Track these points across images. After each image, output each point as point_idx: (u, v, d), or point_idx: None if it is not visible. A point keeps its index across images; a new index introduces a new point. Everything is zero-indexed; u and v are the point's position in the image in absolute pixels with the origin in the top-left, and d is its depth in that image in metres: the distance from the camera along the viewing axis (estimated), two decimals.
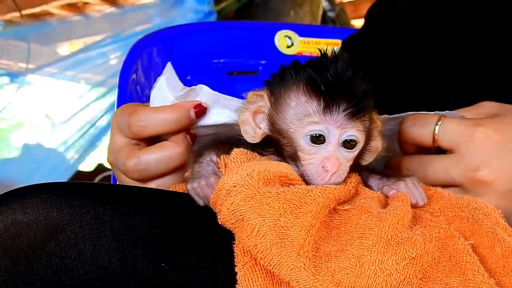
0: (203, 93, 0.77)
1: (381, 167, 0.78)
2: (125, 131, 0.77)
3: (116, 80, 1.30)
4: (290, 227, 0.55)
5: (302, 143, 0.65)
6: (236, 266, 0.57)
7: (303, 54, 1.43)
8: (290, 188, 0.59)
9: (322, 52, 0.67)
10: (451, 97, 0.91)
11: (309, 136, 0.64)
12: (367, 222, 0.59)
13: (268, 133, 0.69)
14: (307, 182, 0.64)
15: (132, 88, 1.27)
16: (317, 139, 0.64)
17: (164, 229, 0.59)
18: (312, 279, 0.53)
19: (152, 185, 0.78)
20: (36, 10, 3.89)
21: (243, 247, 0.57)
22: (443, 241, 0.60)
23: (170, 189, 0.74)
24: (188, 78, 1.32)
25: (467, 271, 0.58)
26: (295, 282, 0.54)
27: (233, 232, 0.57)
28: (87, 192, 0.61)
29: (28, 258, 0.56)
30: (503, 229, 0.64)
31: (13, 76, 3.46)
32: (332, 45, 1.46)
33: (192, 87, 0.78)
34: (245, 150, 0.66)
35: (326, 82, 0.63)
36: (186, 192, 0.64)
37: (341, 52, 0.67)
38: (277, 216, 0.55)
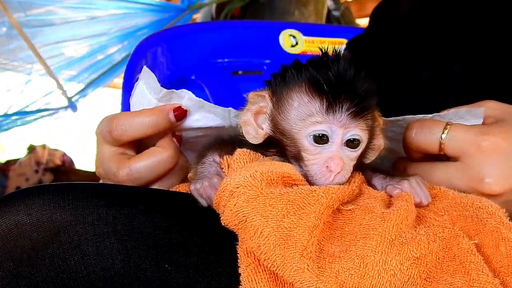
0: (188, 98, 0.77)
1: (387, 169, 0.77)
2: (107, 138, 0.76)
3: (115, 80, 1.30)
4: (293, 228, 0.54)
5: (306, 143, 0.64)
6: (239, 267, 0.57)
7: (308, 53, 1.43)
8: (293, 189, 0.58)
9: (323, 51, 0.66)
10: (451, 97, 0.91)
11: (312, 136, 0.64)
12: (370, 222, 0.59)
13: (271, 134, 0.68)
14: (310, 183, 0.64)
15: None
16: (321, 139, 0.64)
17: (167, 230, 0.59)
18: (316, 280, 0.53)
19: None
20: (41, 10, 3.90)
21: (246, 248, 0.57)
22: (447, 241, 0.60)
23: (173, 190, 0.73)
24: (192, 77, 1.32)
25: (471, 271, 0.58)
26: (299, 283, 0.53)
27: (236, 233, 0.57)
28: (90, 193, 0.61)
29: (31, 260, 0.56)
30: (508, 229, 0.63)
31: (19, 77, 3.48)
32: (336, 44, 1.45)
33: (173, 90, 0.77)
34: (248, 151, 0.66)
35: (329, 82, 0.62)
36: (189, 192, 0.64)
37: (342, 51, 0.67)
38: (280, 217, 0.55)
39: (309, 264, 0.53)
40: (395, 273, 0.55)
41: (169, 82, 1.31)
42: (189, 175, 0.71)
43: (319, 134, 0.64)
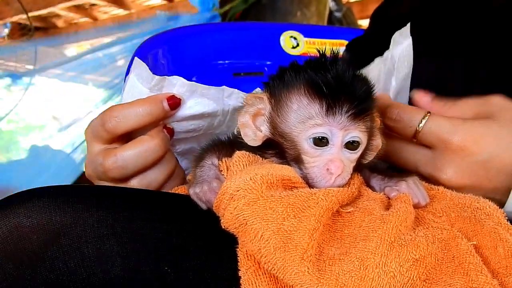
0: (180, 84, 0.77)
1: (382, 165, 0.77)
2: (100, 132, 0.76)
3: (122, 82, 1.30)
4: (293, 231, 0.54)
5: (306, 146, 0.64)
6: (239, 270, 0.57)
7: (309, 54, 1.42)
8: (293, 192, 0.58)
9: (321, 52, 0.66)
10: (453, 95, 0.90)
11: (312, 139, 0.64)
12: (370, 225, 0.59)
13: (270, 136, 0.68)
14: (310, 185, 0.64)
15: None
16: (321, 142, 0.64)
17: (167, 232, 0.59)
18: (316, 283, 0.53)
19: (134, 182, 0.77)
20: (43, 12, 3.90)
21: (246, 251, 0.57)
22: (446, 242, 0.60)
23: (173, 192, 0.73)
24: (194, 79, 1.31)
25: (470, 272, 0.58)
26: (299, 286, 0.53)
27: (237, 236, 0.57)
28: (90, 195, 0.61)
29: (31, 262, 0.56)
30: (506, 229, 0.63)
31: (20, 77, 3.48)
32: (337, 45, 1.45)
33: (164, 76, 0.77)
34: (247, 153, 0.66)
35: (328, 84, 0.62)
36: (189, 194, 0.64)
37: (340, 52, 0.67)
38: (280, 220, 0.55)
39: (310, 267, 0.53)
40: (394, 275, 0.55)
41: None
42: (188, 177, 0.71)
43: (319, 136, 0.63)
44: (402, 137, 0.76)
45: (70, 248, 0.56)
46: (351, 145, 0.65)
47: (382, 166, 0.76)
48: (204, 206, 0.62)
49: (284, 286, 0.56)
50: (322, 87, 0.62)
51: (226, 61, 1.37)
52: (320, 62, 0.65)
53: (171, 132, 0.79)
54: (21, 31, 3.52)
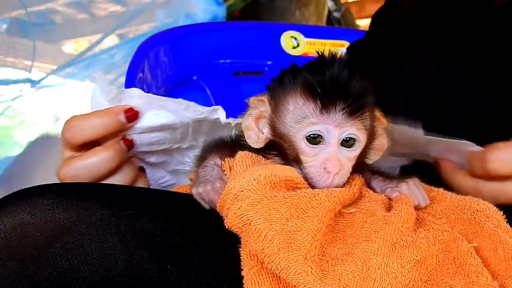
0: (138, 96, 0.76)
1: (397, 175, 0.77)
2: (63, 141, 0.76)
3: (122, 79, 1.30)
4: (297, 231, 0.55)
5: (302, 145, 0.65)
6: (242, 269, 0.57)
7: (309, 55, 1.43)
8: (296, 193, 0.59)
9: (320, 54, 0.67)
10: (456, 96, 0.91)
11: (307, 138, 0.64)
12: (372, 226, 0.59)
13: (271, 138, 0.69)
14: (311, 185, 0.64)
15: (138, 87, 1.27)
16: (316, 140, 0.64)
17: (170, 231, 0.59)
18: (319, 282, 0.53)
19: None
20: (42, 8, 3.89)
21: (249, 251, 0.57)
22: (447, 244, 0.60)
23: (176, 191, 0.74)
24: (194, 78, 1.32)
25: (471, 273, 0.58)
26: (302, 286, 0.54)
27: (240, 236, 0.58)
28: (94, 193, 0.61)
29: (34, 259, 0.56)
30: (505, 231, 0.63)
31: (19, 74, 3.47)
32: (337, 46, 1.46)
33: (122, 89, 0.77)
34: (250, 153, 0.67)
35: (322, 83, 0.63)
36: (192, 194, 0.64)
37: (338, 53, 0.67)
38: (284, 221, 0.55)
39: (313, 267, 0.53)
40: (396, 275, 0.55)
41: (171, 82, 1.32)
42: (190, 176, 0.71)
43: (313, 135, 0.64)
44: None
45: (73, 246, 0.56)
46: (347, 143, 0.65)
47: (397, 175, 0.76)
48: (207, 206, 0.62)
49: (287, 286, 0.56)
50: (316, 88, 0.63)
51: (227, 60, 1.38)
52: (317, 64, 0.66)
53: (129, 143, 0.78)
54: (19, 27, 3.51)
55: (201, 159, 0.70)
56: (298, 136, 0.65)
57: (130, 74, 1.27)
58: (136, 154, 0.82)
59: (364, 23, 3.34)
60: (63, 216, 0.57)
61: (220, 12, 2.57)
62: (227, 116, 0.78)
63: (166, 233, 0.59)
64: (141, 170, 0.85)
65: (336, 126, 0.63)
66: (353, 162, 0.67)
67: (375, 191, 0.70)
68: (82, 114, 0.76)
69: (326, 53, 0.67)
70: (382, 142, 0.71)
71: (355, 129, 0.65)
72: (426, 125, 0.75)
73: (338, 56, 0.66)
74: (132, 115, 0.75)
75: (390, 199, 0.67)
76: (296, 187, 0.62)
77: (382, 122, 0.70)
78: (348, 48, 1.28)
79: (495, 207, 0.67)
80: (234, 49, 1.39)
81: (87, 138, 0.74)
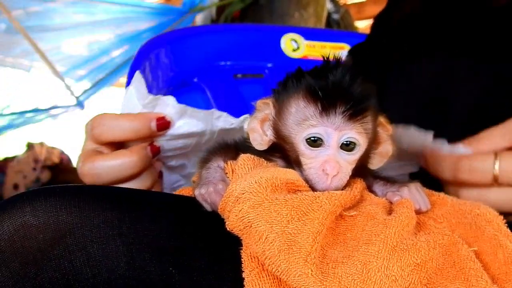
0: (171, 105, 0.77)
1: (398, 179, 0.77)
2: (89, 134, 0.77)
3: (121, 79, 1.31)
4: (297, 234, 0.55)
5: (302, 147, 0.65)
6: (243, 271, 0.57)
7: (309, 57, 1.43)
8: (297, 195, 0.59)
9: (325, 58, 0.67)
10: (458, 97, 0.91)
11: (307, 140, 0.65)
12: (373, 228, 0.59)
13: (274, 140, 0.69)
14: (311, 188, 0.65)
15: None
16: (315, 142, 0.64)
17: (172, 233, 0.60)
18: (319, 285, 0.53)
19: None
20: (41, 7, 3.88)
21: (250, 253, 0.57)
22: (447, 248, 0.61)
23: (179, 192, 0.74)
24: (195, 80, 1.33)
25: (470, 277, 0.58)
26: None
27: (241, 238, 0.58)
28: (97, 195, 0.61)
29: (37, 261, 0.56)
30: (506, 236, 0.64)
31: (17, 72, 3.48)
32: (337, 49, 1.46)
33: (158, 96, 0.78)
34: (252, 156, 0.67)
35: (324, 87, 0.63)
36: (194, 196, 0.65)
37: (343, 58, 0.67)
38: (285, 223, 0.55)
39: (313, 270, 0.54)
40: (396, 278, 0.55)
41: (172, 84, 1.32)
42: (193, 178, 0.72)
43: (313, 137, 0.64)
44: (482, 185, 0.73)
45: (76, 248, 0.57)
46: (347, 146, 0.65)
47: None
48: (208, 208, 0.63)
49: None
50: (317, 91, 0.63)
51: (227, 63, 1.38)
52: (322, 68, 0.66)
53: (156, 150, 0.79)
54: (19, 26, 3.51)
55: (205, 161, 0.71)
56: (298, 138, 0.65)
57: (131, 76, 1.27)
58: (160, 158, 0.83)
59: (363, 25, 3.34)
60: (66, 218, 0.58)
61: None
62: None
63: (168, 235, 0.59)
64: (160, 176, 0.86)
65: (335, 129, 0.64)
66: (353, 166, 0.67)
67: (376, 195, 0.70)
68: (113, 114, 0.77)
69: (331, 57, 0.67)
70: (387, 148, 0.71)
71: (355, 133, 0.65)
72: (426, 125, 0.75)
73: (342, 61, 0.67)
74: (164, 123, 0.76)
75: (391, 202, 0.68)
76: (297, 190, 0.62)
77: (387, 128, 0.70)
78: (349, 52, 1.28)
79: (495, 212, 0.67)
80: (234, 51, 1.40)
81: (116, 138, 0.76)
